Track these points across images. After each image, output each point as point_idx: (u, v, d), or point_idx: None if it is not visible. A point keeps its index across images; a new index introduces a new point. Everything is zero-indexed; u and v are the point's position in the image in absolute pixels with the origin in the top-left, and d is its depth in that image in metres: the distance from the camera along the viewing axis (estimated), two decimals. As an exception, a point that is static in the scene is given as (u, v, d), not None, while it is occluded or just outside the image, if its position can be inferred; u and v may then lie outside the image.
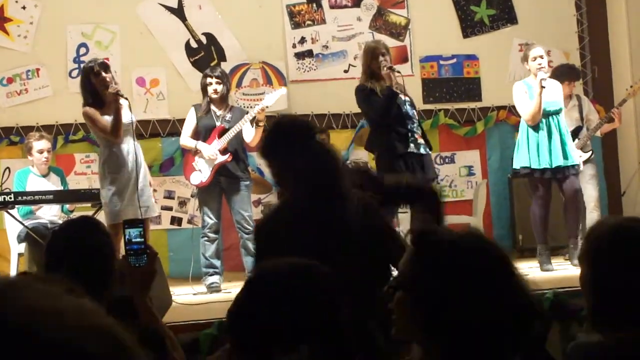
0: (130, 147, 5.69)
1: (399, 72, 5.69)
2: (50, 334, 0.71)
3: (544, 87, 5.90)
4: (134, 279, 2.48)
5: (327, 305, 1.74)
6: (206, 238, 6.18)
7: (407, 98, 5.73)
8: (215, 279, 6.13)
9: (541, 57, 6.01)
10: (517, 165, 6.16)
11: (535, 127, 6.00)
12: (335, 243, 2.86)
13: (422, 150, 5.65)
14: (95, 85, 5.64)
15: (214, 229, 6.18)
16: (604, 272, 1.93)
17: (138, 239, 2.49)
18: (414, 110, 5.79)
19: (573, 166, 6.02)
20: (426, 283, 1.51)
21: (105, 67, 5.70)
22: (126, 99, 5.69)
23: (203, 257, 6.17)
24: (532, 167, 6.01)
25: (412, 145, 5.59)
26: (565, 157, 5.97)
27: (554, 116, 6.02)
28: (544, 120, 6.00)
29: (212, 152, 6.18)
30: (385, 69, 5.59)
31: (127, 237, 2.49)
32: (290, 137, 3.07)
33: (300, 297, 1.72)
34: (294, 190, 3.06)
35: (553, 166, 5.96)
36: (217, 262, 6.21)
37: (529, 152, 6.02)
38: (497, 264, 1.54)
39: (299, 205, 2.98)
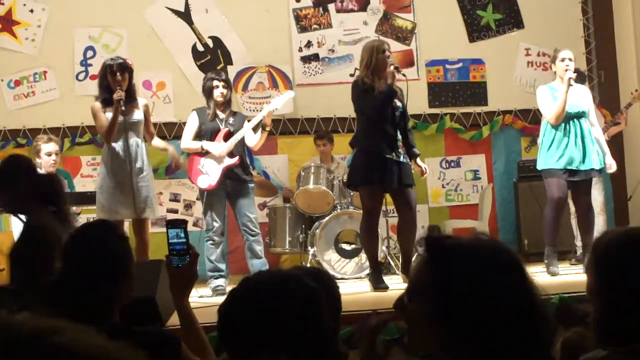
0: (130, 145, 5.72)
1: (404, 74, 5.68)
2: None
3: (572, 86, 6.04)
4: (174, 279, 2.45)
5: (308, 317, 1.70)
6: (211, 241, 6.17)
7: (399, 104, 5.75)
8: (220, 282, 6.12)
9: (570, 59, 6.18)
10: (538, 166, 6.27)
11: (556, 129, 6.11)
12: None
13: (401, 159, 5.70)
14: (110, 84, 5.69)
15: (219, 231, 6.18)
16: (611, 282, 1.89)
17: (181, 239, 2.43)
18: (403, 121, 5.81)
19: (591, 170, 6.09)
20: (444, 292, 1.46)
21: (123, 68, 5.71)
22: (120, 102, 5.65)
23: (208, 261, 6.14)
24: (550, 167, 6.11)
25: (392, 152, 5.64)
26: (584, 161, 6.06)
27: (575, 119, 6.12)
28: (565, 123, 6.10)
29: (220, 149, 6.18)
30: (392, 67, 5.61)
31: (169, 237, 2.44)
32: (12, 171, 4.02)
33: (281, 308, 1.69)
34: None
35: (571, 168, 6.05)
36: (222, 265, 6.21)
37: (548, 154, 6.13)
38: (512, 268, 1.50)
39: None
